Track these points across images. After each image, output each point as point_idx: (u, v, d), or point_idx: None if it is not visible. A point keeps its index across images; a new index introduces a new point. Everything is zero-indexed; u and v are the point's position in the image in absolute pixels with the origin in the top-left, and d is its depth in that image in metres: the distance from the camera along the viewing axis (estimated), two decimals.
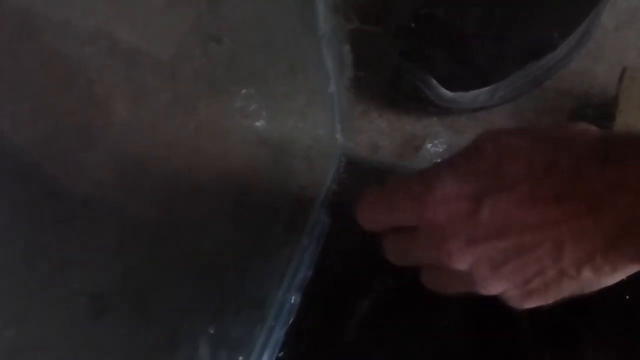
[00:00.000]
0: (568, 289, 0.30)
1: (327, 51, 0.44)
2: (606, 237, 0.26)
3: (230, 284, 0.40)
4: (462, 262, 0.31)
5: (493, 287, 0.31)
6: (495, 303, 0.32)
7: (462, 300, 0.34)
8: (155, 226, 0.29)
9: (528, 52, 0.53)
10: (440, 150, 0.56)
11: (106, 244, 0.25)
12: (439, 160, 0.36)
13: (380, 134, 0.58)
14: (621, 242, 0.26)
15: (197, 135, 0.30)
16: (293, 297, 0.47)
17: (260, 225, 0.43)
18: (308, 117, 0.47)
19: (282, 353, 0.45)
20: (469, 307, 0.44)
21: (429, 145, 0.56)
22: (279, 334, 0.46)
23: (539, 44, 0.53)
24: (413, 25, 0.54)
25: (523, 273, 0.30)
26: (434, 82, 0.53)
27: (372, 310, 0.46)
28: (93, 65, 0.22)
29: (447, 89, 0.53)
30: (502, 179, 0.29)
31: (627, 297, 0.43)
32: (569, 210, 0.27)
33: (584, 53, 0.57)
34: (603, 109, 0.54)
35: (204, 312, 0.36)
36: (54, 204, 0.22)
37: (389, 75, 0.56)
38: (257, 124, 0.37)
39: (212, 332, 0.37)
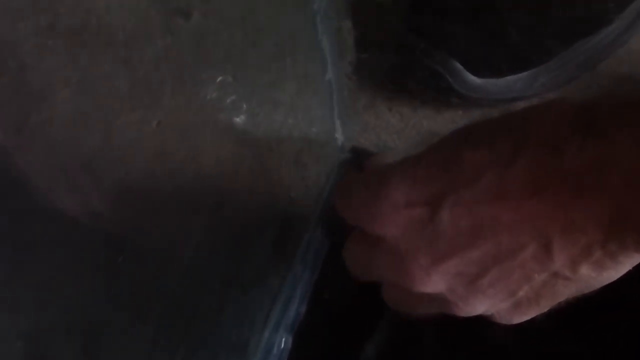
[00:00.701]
0: (565, 292, 0.30)
1: (324, 28, 0.44)
2: (603, 227, 0.26)
3: (204, 323, 0.40)
4: (428, 285, 0.31)
5: (472, 307, 0.31)
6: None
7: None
8: (108, 249, 0.29)
9: (576, 27, 0.54)
10: None
11: (46, 271, 0.25)
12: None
13: (389, 131, 0.58)
14: (621, 230, 0.26)
15: (161, 134, 0.30)
16: (282, 340, 0.47)
17: (241, 248, 0.43)
18: (300, 111, 0.47)
19: None
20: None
21: None
22: None
23: (589, 17, 0.54)
24: None
25: (506, 283, 0.29)
26: (458, 66, 0.53)
27: (381, 356, 0.46)
28: (28, 47, 0.22)
29: (474, 74, 0.54)
30: (461, 171, 0.29)
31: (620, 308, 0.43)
32: (549, 198, 0.27)
33: None
34: None
35: (171, 358, 0.36)
36: None
37: (401, 58, 0.57)
38: (237, 119, 0.37)
39: None
